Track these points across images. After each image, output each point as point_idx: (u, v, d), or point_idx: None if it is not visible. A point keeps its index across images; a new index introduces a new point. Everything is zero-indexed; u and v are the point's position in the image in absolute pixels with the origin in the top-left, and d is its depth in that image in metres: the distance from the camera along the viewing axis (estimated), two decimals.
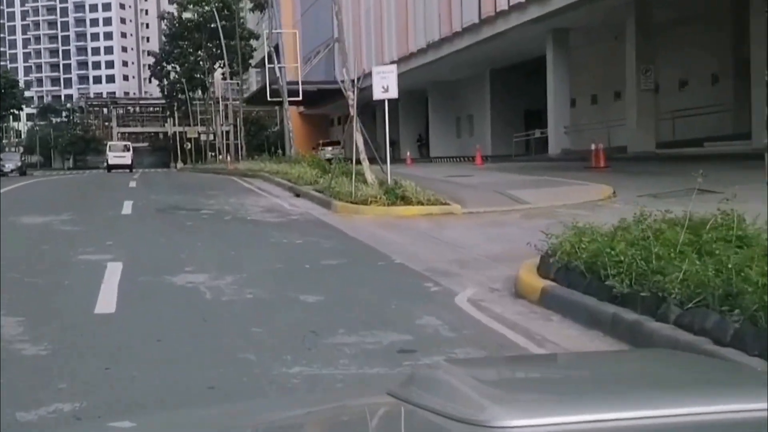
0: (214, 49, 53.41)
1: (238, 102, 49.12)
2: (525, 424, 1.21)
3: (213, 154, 64.68)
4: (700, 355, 3.18)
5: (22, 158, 53.27)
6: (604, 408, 1.28)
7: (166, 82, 74.26)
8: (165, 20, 56.84)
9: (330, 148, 61.26)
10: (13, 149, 71.21)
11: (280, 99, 32.93)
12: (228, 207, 15.03)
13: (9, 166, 50.56)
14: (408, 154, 41.06)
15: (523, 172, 20.76)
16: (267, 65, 38.20)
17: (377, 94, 14.74)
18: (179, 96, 74.36)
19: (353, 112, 15.81)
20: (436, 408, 1.35)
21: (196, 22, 53.56)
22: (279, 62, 46.65)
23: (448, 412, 1.31)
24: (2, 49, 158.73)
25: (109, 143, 65.64)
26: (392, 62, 45.49)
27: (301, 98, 34.54)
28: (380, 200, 13.76)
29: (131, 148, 59.27)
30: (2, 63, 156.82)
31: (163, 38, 73.96)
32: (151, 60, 77.90)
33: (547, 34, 29.38)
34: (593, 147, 20.76)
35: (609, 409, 1.27)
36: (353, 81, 15.14)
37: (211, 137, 61.78)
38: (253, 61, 57.75)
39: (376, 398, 1.64)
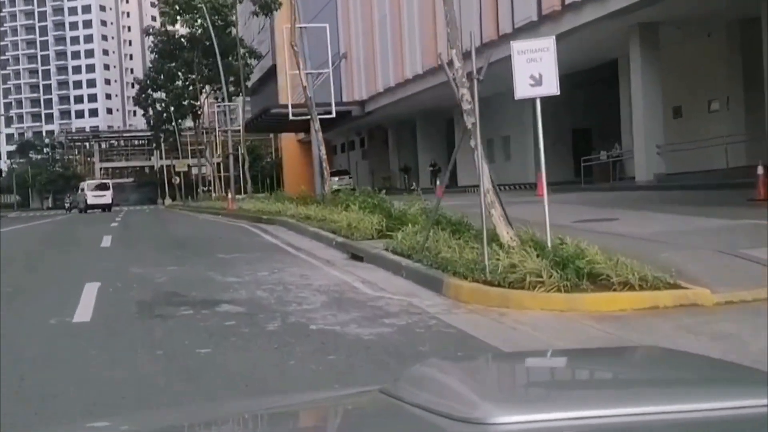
0: (206, 70, 47.05)
1: (234, 129, 42.63)
2: (517, 421, 1.20)
3: (205, 188, 58.28)
4: (695, 354, 2.81)
5: None
6: (598, 405, 1.26)
7: (151, 112, 68.08)
8: (150, 36, 50.63)
9: (337, 179, 55.06)
10: None
11: (306, 116, 26.11)
12: (262, 292, 8.59)
13: None
14: (438, 184, 34.77)
15: (661, 208, 14.52)
16: (287, 72, 31.66)
17: (522, 90, 8.45)
18: (166, 126, 68.26)
19: (469, 120, 9.46)
20: (429, 406, 1.34)
21: (186, 36, 47.18)
22: (278, 80, 40.44)
23: (441, 409, 1.29)
24: None
25: (86, 182, 59.76)
26: (416, 76, 39.56)
27: (334, 115, 28.14)
28: (550, 280, 7.46)
29: (110, 186, 55.52)
30: None
31: (149, 61, 67.72)
32: (135, 90, 71.67)
33: (631, 30, 23.39)
34: (760, 171, 14.56)
35: (602, 405, 1.25)
36: (471, 73, 8.65)
37: (203, 170, 55.25)
38: (249, 83, 51.51)
39: (369, 396, 1.63)
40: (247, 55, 46.46)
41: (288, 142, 69.51)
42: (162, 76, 64.15)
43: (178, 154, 67.40)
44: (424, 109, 43.42)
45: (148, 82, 65.64)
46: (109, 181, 59.34)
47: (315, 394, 2.48)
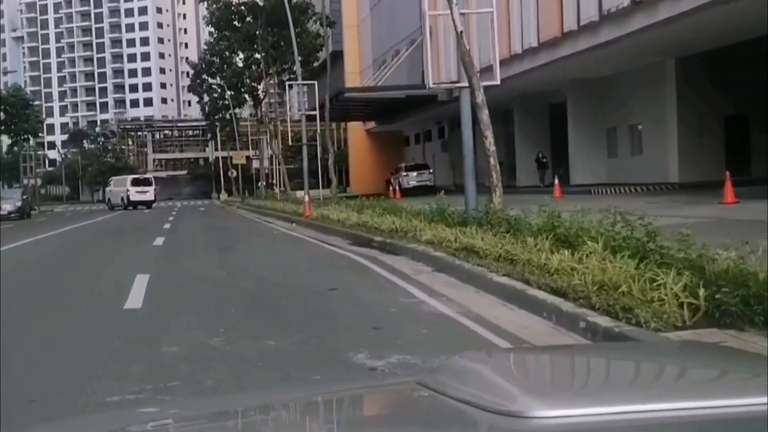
0: (270, 45, 40.37)
1: (309, 113, 36.06)
2: (557, 415, 1.19)
3: (266, 184, 52.15)
4: (729, 347, 2.73)
5: (24, 196, 41.09)
6: (636, 399, 1.26)
7: (206, 98, 62.36)
8: (205, 2, 44.39)
9: (415, 174, 48.50)
10: (20, 184, 59.46)
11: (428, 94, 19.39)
12: None
13: (6, 207, 38.71)
14: (556, 182, 27.92)
15: None
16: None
17: None
18: (222, 114, 62.49)
19: None
20: (466, 398, 1.33)
21: (248, 3, 40.48)
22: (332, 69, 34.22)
23: (479, 402, 1.29)
24: (36, 73, 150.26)
25: (116, 177, 54.19)
26: (528, 50, 32.62)
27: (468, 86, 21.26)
28: None
29: (153, 181, 50.79)
30: (37, 88, 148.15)
31: (203, 43, 61.91)
32: (190, 78, 66.10)
33: None
34: None
35: (640, 400, 1.24)
36: None
37: (260, 163, 49.12)
38: (316, 64, 44.85)
39: (406, 387, 1.64)
40: (319, 23, 39.75)
41: (355, 132, 63.14)
42: (218, 59, 58.43)
43: (236, 145, 61.63)
44: (525, 93, 36.47)
45: (203, 65, 59.92)
46: (151, 176, 54.21)
47: (353, 384, 2.62)
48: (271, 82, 37.10)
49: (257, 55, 39.19)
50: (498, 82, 15.05)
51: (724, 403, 1.20)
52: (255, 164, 54.34)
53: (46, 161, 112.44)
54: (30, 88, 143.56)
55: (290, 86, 39.28)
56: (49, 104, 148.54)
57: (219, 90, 60.90)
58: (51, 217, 42.96)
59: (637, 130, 31.66)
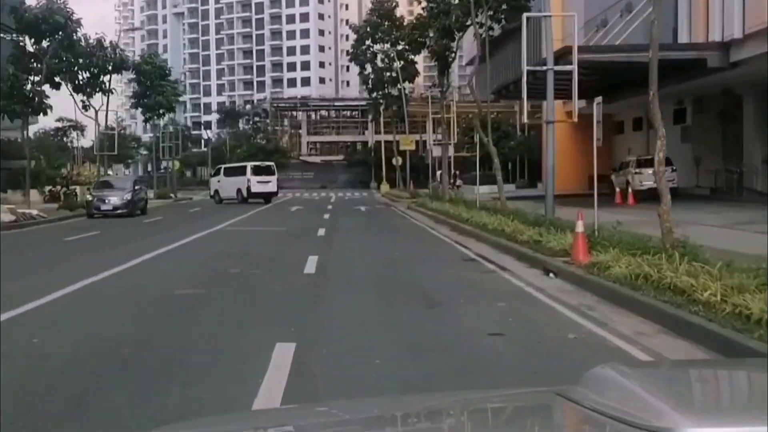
0: None
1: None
2: None
3: (453, 177, 40.41)
4: None
5: (136, 186, 31.50)
6: None
7: (369, 69, 51.65)
8: None
9: (650, 171, 35.62)
10: (144, 169, 50.98)
11: None
12: None
13: (112, 201, 29.38)
14: None
15: None
16: None
17: None
18: (388, 90, 51.59)
19: None
20: (609, 411, 1.28)
21: None
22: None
23: (622, 416, 1.23)
24: (195, 50, 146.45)
25: (248, 164, 44.78)
26: None
27: None
28: None
29: (275, 170, 43.88)
30: (195, 66, 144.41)
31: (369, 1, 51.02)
32: (350, 44, 55.59)
33: None
34: None
35: None
36: None
37: (444, 150, 37.21)
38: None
39: (544, 398, 1.60)
40: None
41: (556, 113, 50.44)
42: (387, 23, 47.45)
43: (404, 128, 50.63)
44: None
45: (368, 29, 49.19)
46: (272, 164, 45.27)
47: (490, 392, 2.61)
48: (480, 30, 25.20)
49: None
50: None
51: None
52: (434, 152, 42.81)
53: (201, 142, 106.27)
54: (189, 66, 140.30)
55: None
56: (207, 83, 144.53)
57: (386, 59, 50.07)
58: (172, 213, 33.43)
59: None
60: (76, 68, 35.41)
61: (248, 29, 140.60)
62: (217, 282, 11.30)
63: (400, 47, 47.58)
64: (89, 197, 30.47)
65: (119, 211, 29.24)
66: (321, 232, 21.13)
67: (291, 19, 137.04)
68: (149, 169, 78.42)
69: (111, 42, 37.40)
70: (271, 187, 42.24)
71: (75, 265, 13.38)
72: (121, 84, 59.70)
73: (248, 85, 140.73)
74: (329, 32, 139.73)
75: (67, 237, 20.05)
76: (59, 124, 67.71)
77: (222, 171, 45.53)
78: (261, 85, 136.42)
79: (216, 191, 44.53)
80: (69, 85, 36.41)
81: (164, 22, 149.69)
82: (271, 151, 76.68)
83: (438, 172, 41.25)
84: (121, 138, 76.44)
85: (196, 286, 10.73)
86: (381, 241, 18.58)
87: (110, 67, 37.18)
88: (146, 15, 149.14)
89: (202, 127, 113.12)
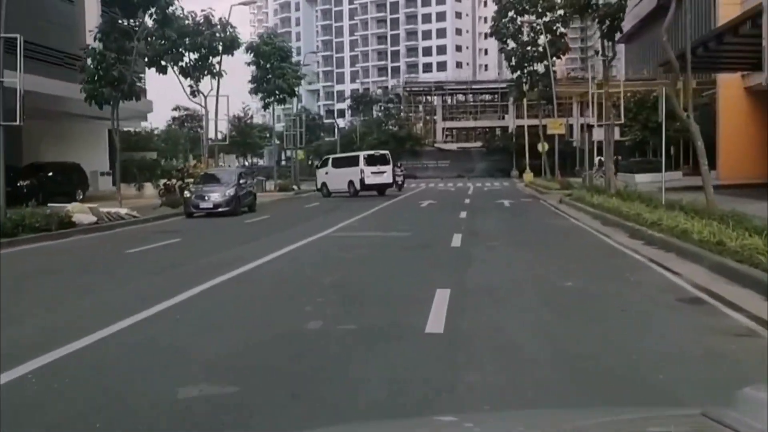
0: None
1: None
2: None
3: (615, 163, 34.13)
4: None
5: (241, 180, 27.18)
6: None
7: (513, 45, 45.71)
8: None
9: None
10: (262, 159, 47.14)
11: None
12: None
13: (214, 198, 25.30)
14: None
15: None
16: None
17: None
18: (533, 67, 45.49)
19: None
20: None
21: None
22: None
23: None
24: (328, 37, 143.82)
25: (361, 153, 40.96)
26: None
27: None
28: None
29: (391, 159, 39.88)
30: (329, 53, 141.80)
31: None
32: (489, 20, 49.70)
33: None
34: None
35: None
36: None
37: (607, 133, 30.87)
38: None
39: (690, 420, 1.55)
40: None
41: (728, 91, 42.99)
42: None
43: (552, 110, 44.44)
44: None
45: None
46: (387, 152, 41.13)
47: (634, 410, 2.47)
48: None
49: None
50: None
51: None
52: (595, 136, 36.40)
53: (334, 131, 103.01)
54: (321, 53, 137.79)
55: None
56: (340, 70, 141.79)
57: (531, 32, 44.00)
58: (284, 210, 29.07)
59: None
60: (180, 48, 31.67)
61: (383, 13, 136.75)
62: (266, 360, 6.08)
63: (547, 18, 41.49)
64: (187, 193, 26.49)
65: (221, 209, 25.07)
66: (456, 240, 15.85)
67: (426, 1, 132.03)
68: (279, 159, 75.46)
69: (221, 19, 33.48)
70: (387, 178, 38.81)
71: (70, 308, 8.62)
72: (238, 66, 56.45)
73: (382, 71, 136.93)
74: (467, 14, 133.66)
75: (130, 248, 15.65)
76: (175, 114, 65.53)
77: (330, 162, 41.34)
78: (395, 71, 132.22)
79: (324, 183, 40.52)
80: (175, 67, 32.79)
81: (297, 9, 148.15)
82: (403, 138, 72.01)
83: (597, 158, 34.94)
84: (246, 126, 73.94)
85: (220, 376, 5.55)
86: (539, 257, 13.01)
87: (220, 48, 33.28)
88: (279, 3, 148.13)
89: (335, 114, 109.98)
